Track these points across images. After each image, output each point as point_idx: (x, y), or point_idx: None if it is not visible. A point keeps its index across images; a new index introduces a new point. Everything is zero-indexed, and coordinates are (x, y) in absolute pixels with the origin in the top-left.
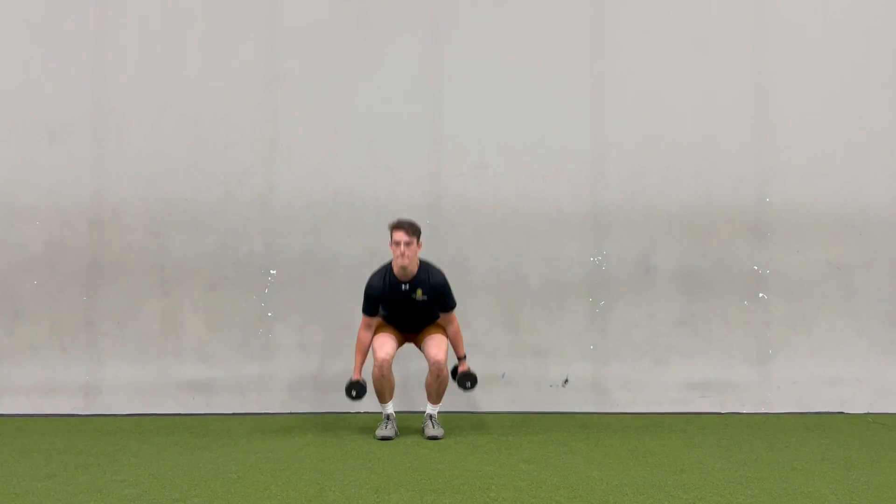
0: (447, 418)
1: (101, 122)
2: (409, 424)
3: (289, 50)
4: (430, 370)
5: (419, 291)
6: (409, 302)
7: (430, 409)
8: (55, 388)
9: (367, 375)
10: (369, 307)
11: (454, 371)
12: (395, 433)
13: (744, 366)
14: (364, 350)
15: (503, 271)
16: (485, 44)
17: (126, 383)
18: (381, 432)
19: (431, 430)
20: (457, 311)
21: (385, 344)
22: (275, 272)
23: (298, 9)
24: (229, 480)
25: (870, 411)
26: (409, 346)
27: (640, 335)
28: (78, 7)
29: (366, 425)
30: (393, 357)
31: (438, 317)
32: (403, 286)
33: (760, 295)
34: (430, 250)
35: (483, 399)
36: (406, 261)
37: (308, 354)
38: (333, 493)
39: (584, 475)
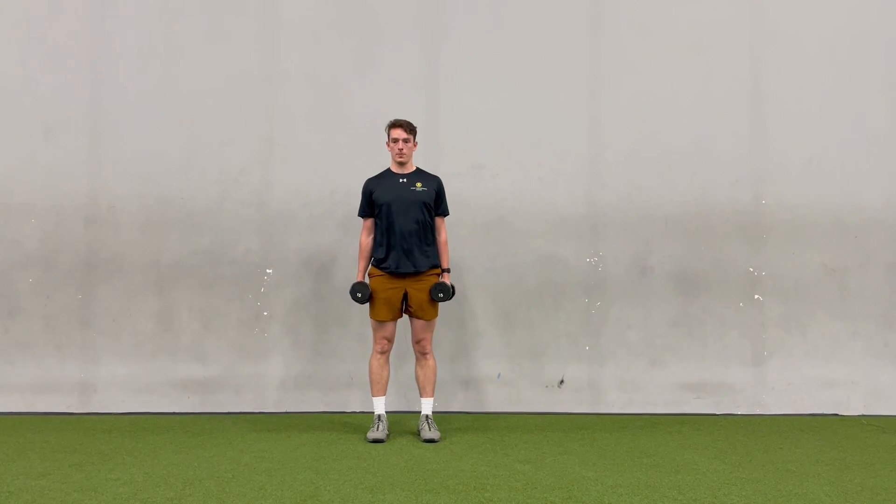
0: (443, 418)
1: (97, 119)
2: (405, 425)
3: (286, 48)
4: (416, 356)
5: (419, 184)
6: (407, 195)
7: (426, 407)
8: (50, 387)
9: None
10: (366, 205)
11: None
12: (387, 435)
13: (739, 367)
14: (367, 255)
15: (499, 271)
16: (482, 44)
17: (121, 382)
18: (372, 434)
19: (428, 433)
20: (453, 311)
21: (386, 328)
22: (271, 271)
23: (296, 7)
24: (224, 479)
25: (864, 413)
26: (402, 345)
27: (636, 336)
28: (75, 4)
29: (361, 425)
30: (391, 346)
31: (433, 242)
32: (402, 179)
33: (756, 297)
34: None
35: (478, 399)
36: (404, 158)
37: (303, 354)
38: (328, 492)
39: (579, 476)
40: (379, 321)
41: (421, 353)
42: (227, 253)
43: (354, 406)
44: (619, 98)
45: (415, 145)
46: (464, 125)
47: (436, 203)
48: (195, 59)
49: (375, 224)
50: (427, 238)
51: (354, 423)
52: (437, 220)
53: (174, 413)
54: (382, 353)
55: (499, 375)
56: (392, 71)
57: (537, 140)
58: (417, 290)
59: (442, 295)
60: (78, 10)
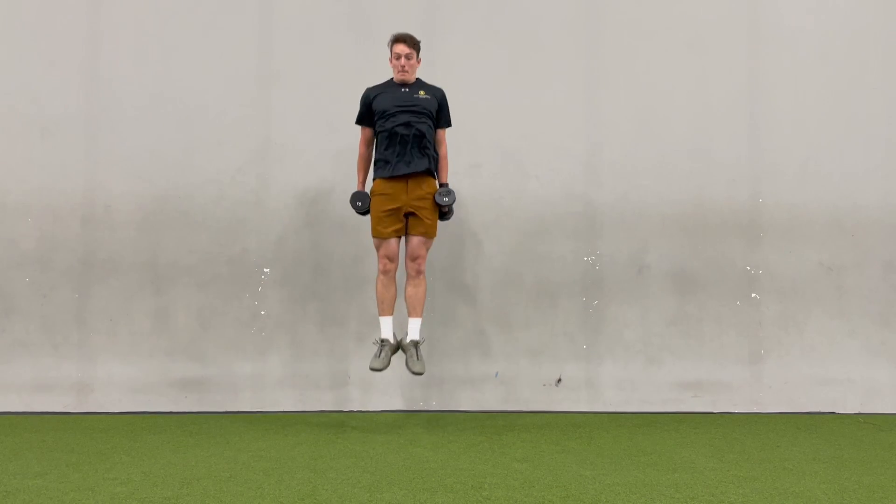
0: (440, 417)
1: (93, 118)
2: (403, 424)
3: (283, 47)
4: (408, 276)
5: (422, 92)
6: (408, 101)
7: (413, 331)
8: (46, 386)
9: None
10: (365, 111)
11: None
12: (387, 365)
13: (736, 366)
14: (366, 165)
15: (496, 270)
16: (479, 42)
17: (118, 381)
18: (373, 363)
19: (415, 364)
20: (451, 310)
21: (388, 246)
22: (268, 270)
23: (292, 5)
24: (221, 479)
25: (861, 411)
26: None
27: (633, 335)
28: (71, 4)
29: (359, 424)
30: (397, 265)
31: (433, 151)
32: (403, 88)
33: (753, 295)
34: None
35: (476, 398)
36: (406, 75)
37: (301, 353)
38: (326, 491)
39: (577, 474)
40: (380, 238)
41: (416, 271)
42: (224, 252)
43: (352, 405)
44: (617, 97)
45: (418, 62)
46: (460, 124)
47: (438, 113)
48: (191, 57)
49: (375, 134)
50: (428, 146)
51: (352, 423)
52: (439, 132)
53: (171, 412)
54: (386, 273)
55: (496, 374)
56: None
57: (534, 139)
58: (417, 206)
59: (447, 199)
60: (74, 10)
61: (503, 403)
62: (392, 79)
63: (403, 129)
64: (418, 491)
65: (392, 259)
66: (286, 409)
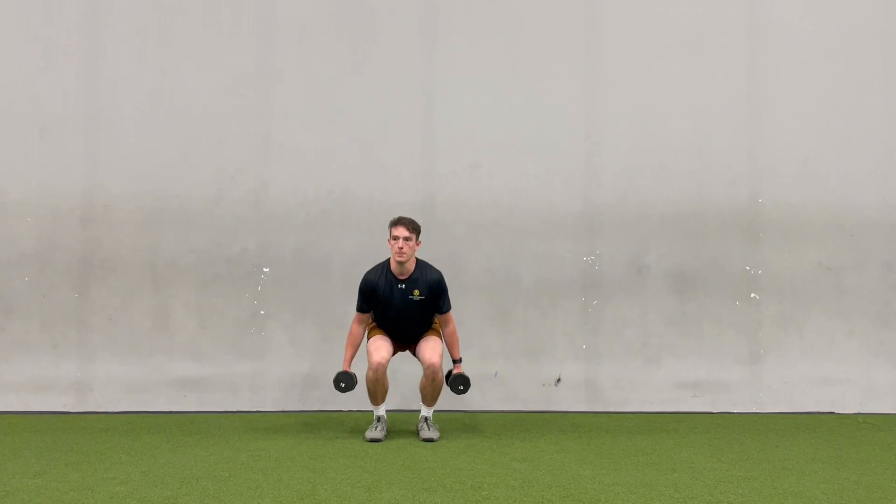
0: (439, 417)
1: (93, 118)
2: (402, 423)
3: (282, 47)
4: (424, 373)
5: (416, 291)
6: (404, 302)
7: (425, 411)
8: (46, 386)
9: (360, 378)
10: (363, 304)
11: (448, 374)
12: (385, 435)
13: (735, 366)
14: (356, 344)
15: (496, 270)
16: (479, 43)
17: (117, 380)
18: (370, 434)
19: (426, 433)
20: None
21: (381, 348)
22: (267, 270)
23: (292, 6)
24: (221, 479)
25: (860, 411)
26: None
27: (633, 335)
28: (70, 3)
29: (358, 424)
30: (388, 361)
31: (433, 324)
32: (400, 284)
33: (752, 295)
34: (423, 249)
35: (476, 398)
36: (404, 257)
37: (300, 353)
38: (325, 491)
39: (576, 474)
40: (375, 338)
41: (433, 373)
42: (223, 252)
43: (351, 405)
44: (616, 97)
45: (417, 244)
46: (460, 124)
47: (436, 301)
48: (191, 57)
49: (374, 312)
50: (427, 321)
51: (351, 422)
52: (439, 317)
53: (171, 412)
54: (376, 371)
55: (496, 374)
56: (388, 70)
57: (534, 139)
58: (420, 338)
59: (462, 387)
60: (74, 10)
61: (502, 403)
62: (389, 265)
63: (402, 324)
64: (417, 490)
65: (384, 358)
66: (285, 409)
